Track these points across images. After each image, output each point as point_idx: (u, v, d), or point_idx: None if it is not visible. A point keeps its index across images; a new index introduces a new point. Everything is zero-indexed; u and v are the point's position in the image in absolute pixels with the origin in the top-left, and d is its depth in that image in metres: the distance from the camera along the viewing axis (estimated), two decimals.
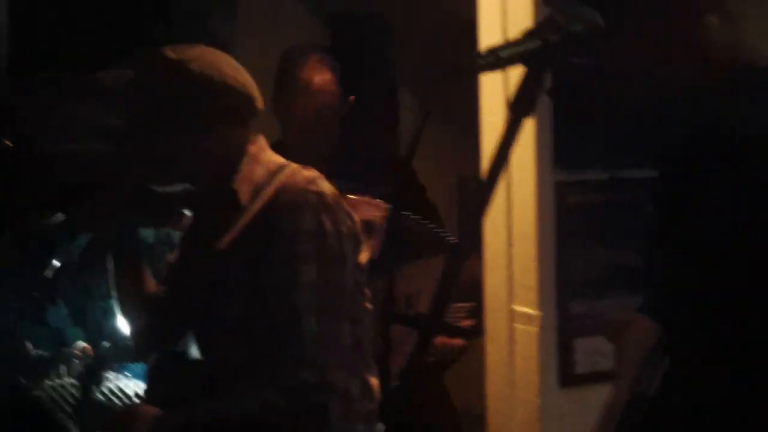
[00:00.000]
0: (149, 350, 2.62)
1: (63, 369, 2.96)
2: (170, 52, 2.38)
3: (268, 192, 2.31)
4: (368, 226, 2.85)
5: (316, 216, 2.24)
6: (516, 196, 2.89)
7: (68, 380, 2.95)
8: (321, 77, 3.28)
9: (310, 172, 2.34)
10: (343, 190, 2.42)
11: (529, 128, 2.81)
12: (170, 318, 2.50)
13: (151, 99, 2.38)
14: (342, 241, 2.26)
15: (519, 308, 2.91)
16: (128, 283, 2.57)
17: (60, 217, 2.53)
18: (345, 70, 3.31)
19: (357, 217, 2.37)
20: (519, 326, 2.90)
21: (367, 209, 2.96)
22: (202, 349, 2.39)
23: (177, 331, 2.52)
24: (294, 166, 2.39)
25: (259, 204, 2.31)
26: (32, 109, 3.24)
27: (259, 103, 2.42)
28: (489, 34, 2.94)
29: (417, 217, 3.13)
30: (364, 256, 2.40)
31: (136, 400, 2.82)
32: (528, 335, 2.88)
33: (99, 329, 3.07)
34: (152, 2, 3.82)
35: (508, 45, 1.46)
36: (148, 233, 3.07)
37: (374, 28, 4.14)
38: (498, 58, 1.46)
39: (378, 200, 3.03)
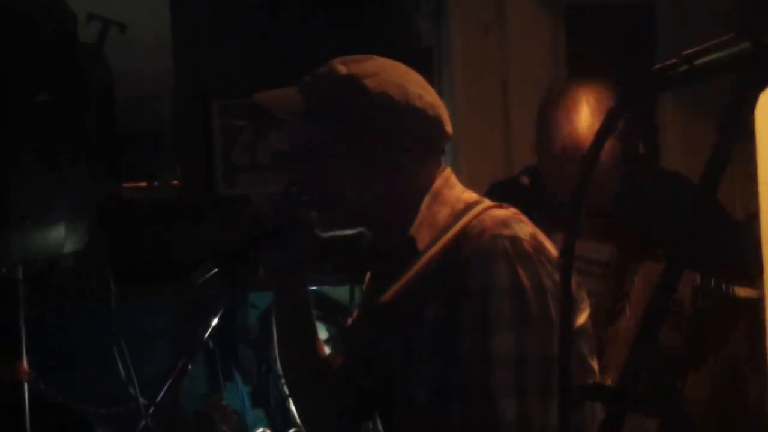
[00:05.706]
0: None
1: None
2: (341, 67, 1.87)
3: (448, 236, 1.82)
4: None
5: (511, 268, 1.71)
6: None
7: None
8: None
9: (504, 211, 1.81)
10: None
11: None
12: (349, 395, 1.99)
13: (317, 125, 1.88)
14: (546, 298, 1.71)
15: None
16: (296, 350, 2.08)
17: (211, 269, 2.05)
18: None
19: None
20: None
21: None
22: None
23: (357, 411, 2.02)
24: (485, 203, 1.86)
25: (434, 251, 1.80)
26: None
27: (449, 127, 1.89)
28: None
29: None
30: (582, 317, 1.83)
31: None
32: None
33: (283, 412, 2.56)
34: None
35: (705, 50, 1.17)
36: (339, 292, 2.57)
37: (614, 19, 3.72)
38: (693, 68, 1.16)
39: None
